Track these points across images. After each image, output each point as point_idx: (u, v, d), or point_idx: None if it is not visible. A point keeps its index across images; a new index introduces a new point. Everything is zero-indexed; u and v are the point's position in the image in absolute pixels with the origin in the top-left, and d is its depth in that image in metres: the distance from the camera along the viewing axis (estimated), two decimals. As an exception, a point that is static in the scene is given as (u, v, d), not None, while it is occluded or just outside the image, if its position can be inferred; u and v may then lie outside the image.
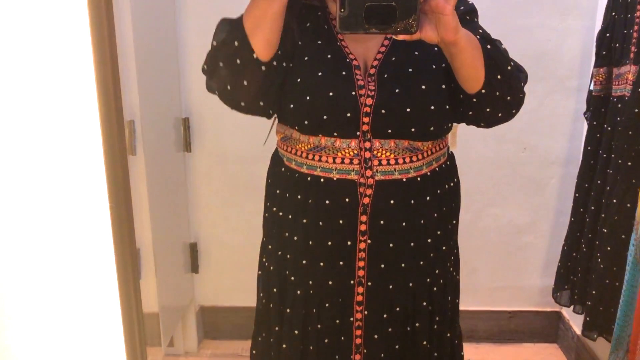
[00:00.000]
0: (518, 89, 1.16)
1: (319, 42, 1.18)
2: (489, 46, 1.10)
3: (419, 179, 1.20)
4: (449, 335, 1.34)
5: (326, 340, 1.28)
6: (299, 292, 1.27)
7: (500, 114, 1.17)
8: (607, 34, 1.76)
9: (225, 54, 1.12)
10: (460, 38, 1.00)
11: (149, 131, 1.76)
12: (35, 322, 0.71)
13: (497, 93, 1.11)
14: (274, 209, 1.30)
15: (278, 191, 1.29)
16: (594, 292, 1.73)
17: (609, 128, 1.73)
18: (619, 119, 1.65)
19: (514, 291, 2.30)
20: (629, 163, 1.55)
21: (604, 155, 1.75)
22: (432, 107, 1.15)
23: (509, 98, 1.14)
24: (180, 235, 2.17)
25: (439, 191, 1.24)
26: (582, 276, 1.87)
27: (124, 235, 0.64)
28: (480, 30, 1.15)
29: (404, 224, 1.20)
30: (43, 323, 0.71)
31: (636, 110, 1.50)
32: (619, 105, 1.67)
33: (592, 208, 1.82)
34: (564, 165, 2.15)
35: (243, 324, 2.30)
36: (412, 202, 1.20)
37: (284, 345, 1.31)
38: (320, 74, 1.15)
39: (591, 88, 1.85)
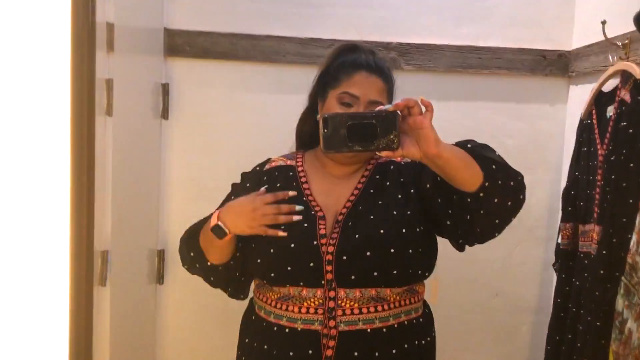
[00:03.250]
0: (514, 172, 1.19)
1: (287, 198, 1.25)
2: (469, 145, 1.15)
3: (384, 330, 1.20)
4: None
5: None
6: None
7: (509, 203, 1.17)
8: (572, 192, 1.84)
9: (186, 257, 1.33)
10: (443, 149, 1.03)
11: (121, 261, 1.74)
12: None
13: (500, 181, 1.13)
14: (243, 358, 1.31)
15: (247, 340, 1.31)
16: None
17: (577, 282, 1.77)
18: (585, 274, 1.69)
19: None
20: (598, 323, 1.57)
21: (574, 309, 1.77)
22: (392, 250, 1.19)
23: (512, 183, 1.16)
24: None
25: (406, 345, 1.23)
26: None
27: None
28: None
29: None
30: None
31: (601, 271, 1.54)
32: (586, 262, 1.72)
33: (565, 363, 1.80)
34: (534, 312, 2.16)
35: None
36: (377, 354, 1.20)
37: None
38: (282, 227, 1.21)
39: (559, 241, 1.91)
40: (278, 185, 1.30)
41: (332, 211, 1.25)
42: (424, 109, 1.01)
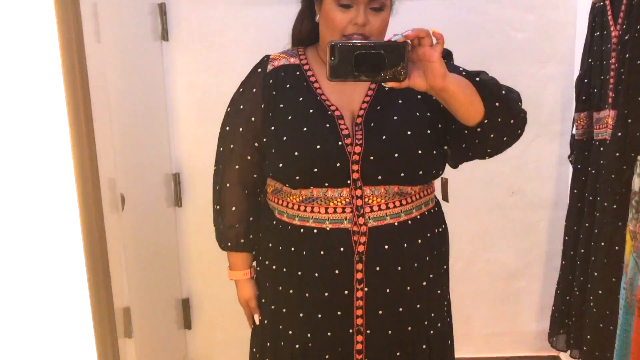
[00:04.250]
0: (517, 110, 1.17)
1: (300, 99, 1.23)
2: (477, 78, 1.12)
3: (409, 222, 1.23)
4: (448, 343, 1.34)
5: None
6: (297, 346, 1.27)
7: (505, 138, 1.17)
8: (585, 80, 1.80)
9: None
10: (449, 83, 1.01)
11: (138, 187, 1.77)
12: None
13: (499, 119, 1.12)
14: (267, 262, 1.31)
15: (270, 244, 1.30)
16: (588, 336, 1.72)
17: (593, 171, 1.76)
18: (602, 162, 1.68)
19: (510, 337, 2.28)
20: (614, 206, 1.57)
21: (590, 198, 1.77)
22: (420, 152, 1.19)
23: (512, 121, 1.15)
24: (173, 291, 2.15)
25: (429, 234, 1.26)
26: (577, 320, 1.86)
27: (101, 297, 0.65)
28: (461, 68, 1.18)
29: (399, 268, 1.22)
30: None
31: (617, 154, 1.52)
32: (601, 149, 1.70)
33: (582, 251, 1.82)
34: (552, 208, 2.16)
35: (237, 379, 2.26)
36: (405, 245, 1.22)
37: None
38: (305, 129, 1.20)
39: (574, 132, 1.89)
40: (287, 86, 1.26)
41: (348, 110, 1.22)
42: (434, 41, 0.98)
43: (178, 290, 2.20)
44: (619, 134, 1.52)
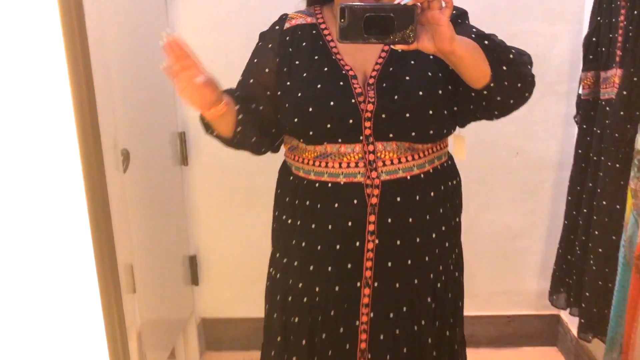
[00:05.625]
0: (526, 74, 1.20)
1: (316, 57, 1.27)
2: (486, 42, 1.15)
3: (422, 175, 1.27)
4: (448, 334, 1.38)
5: (330, 352, 1.31)
6: (305, 299, 1.31)
7: (512, 101, 1.21)
8: (594, 39, 1.78)
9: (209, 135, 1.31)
10: (457, 47, 1.03)
11: (144, 145, 1.79)
12: (23, 344, 0.73)
13: (506, 83, 1.15)
14: (284, 217, 1.36)
15: (287, 199, 1.35)
16: (587, 294, 1.74)
17: (598, 131, 1.75)
18: (607, 121, 1.67)
19: (512, 295, 2.32)
20: (617, 165, 1.57)
21: (595, 158, 1.77)
22: (431, 112, 1.23)
23: (519, 85, 1.18)
24: (180, 248, 2.19)
25: (442, 187, 1.31)
26: (577, 278, 1.89)
27: (104, 252, 0.67)
28: (474, 29, 1.21)
29: (410, 220, 1.26)
30: (30, 345, 0.73)
31: (622, 113, 1.52)
32: (607, 108, 1.70)
33: (585, 211, 1.83)
34: (557, 169, 2.17)
35: (244, 335, 2.33)
36: (417, 198, 1.27)
37: (294, 358, 1.35)
38: (319, 86, 1.24)
39: (580, 92, 1.88)
40: (304, 44, 1.29)
41: (361, 70, 1.26)
42: (443, 4, 0.99)
43: (185, 248, 2.24)
44: (624, 92, 1.52)
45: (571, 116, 2.02)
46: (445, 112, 1.25)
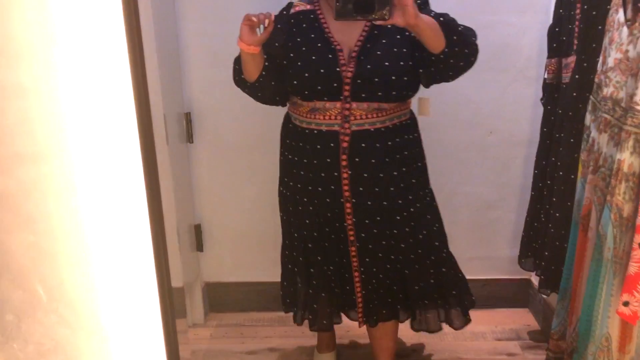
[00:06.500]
0: (471, 42, 1.61)
1: (312, 35, 1.70)
2: (441, 18, 1.56)
3: (383, 129, 1.70)
4: (428, 217, 1.82)
5: (326, 244, 1.82)
6: (311, 208, 1.79)
7: (462, 63, 1.62)
8: (556, 29, 1.99)
9: (238, 82, 1.78)
10: (420, 21, 1.44)
11: (155, 125, 1.99)
12: (84, 306, 0.88)
13: (457, 48, 1.57)
14: (286, 153, 1.84)
15: (288, 140, 1.83)
16: (546, 253, 1.97)
17: (560, 111, 1.97)
18: (565, 101, 1.89)
19: (487, 261, 2.55)
20: (572, 140, 1.79)
21: (557, 135, 1.99)
22: (393, 78, 1.64)
23: (466, 50, 1.60)
24: (186, 217, 2.40)
25: (398, 139, 1.73)
26: (542, 243, 2.11)
27: (157, 220, 0.85)
28: (432, 12, 1.61)
29: (372, 160, 1.70)
30: (90, 306, 0.88)
31: (574, 94, 1.74)
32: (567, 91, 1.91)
33: (549, 182, 2.05)
34: (526, 146, 2.38)
35: (245, 297, 2.56)
36: (377, 145, 1.70)
37: (300, 259, 1.88)
38: (313, 57, 1.67)
39: (545, 77, 2.09)
40: (304, 25, 1.71)
41: (347, 46, 1.67)
42: None
43: (191, 217, 2.46)
44: (577, 76, 1.73)
45: (539, 99, 2.23)
46: (406, 78, 1.65)
